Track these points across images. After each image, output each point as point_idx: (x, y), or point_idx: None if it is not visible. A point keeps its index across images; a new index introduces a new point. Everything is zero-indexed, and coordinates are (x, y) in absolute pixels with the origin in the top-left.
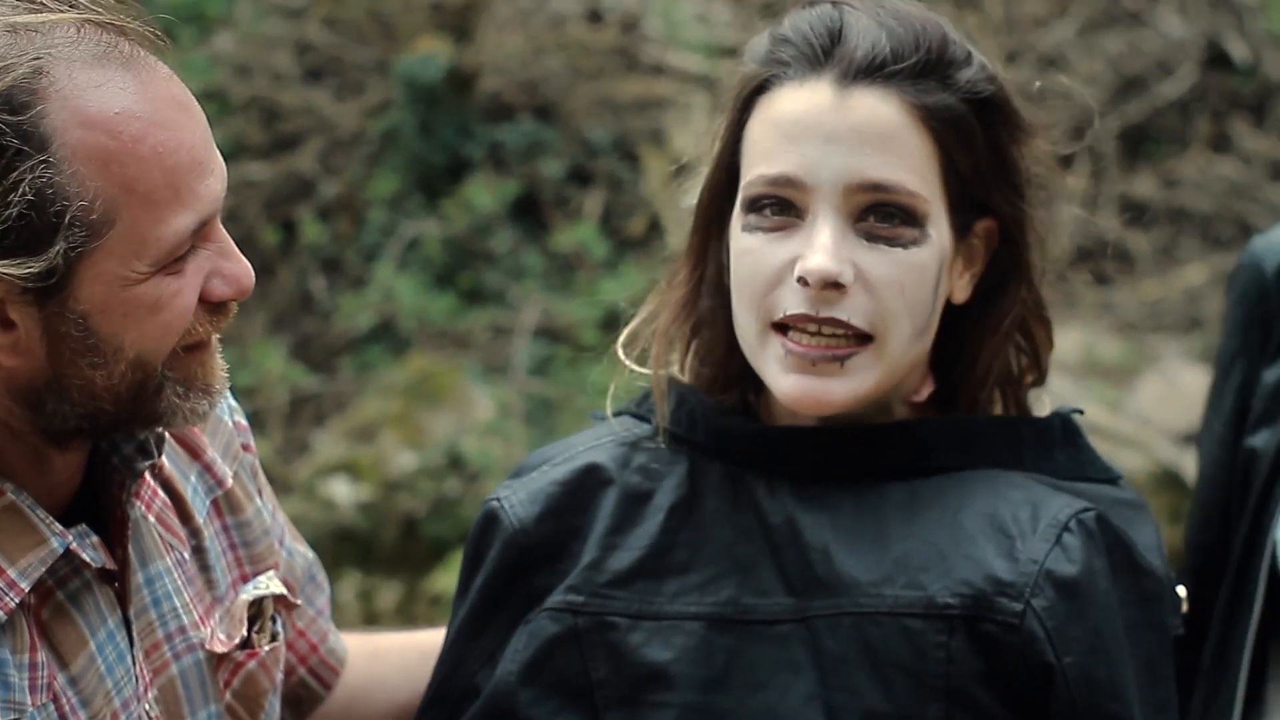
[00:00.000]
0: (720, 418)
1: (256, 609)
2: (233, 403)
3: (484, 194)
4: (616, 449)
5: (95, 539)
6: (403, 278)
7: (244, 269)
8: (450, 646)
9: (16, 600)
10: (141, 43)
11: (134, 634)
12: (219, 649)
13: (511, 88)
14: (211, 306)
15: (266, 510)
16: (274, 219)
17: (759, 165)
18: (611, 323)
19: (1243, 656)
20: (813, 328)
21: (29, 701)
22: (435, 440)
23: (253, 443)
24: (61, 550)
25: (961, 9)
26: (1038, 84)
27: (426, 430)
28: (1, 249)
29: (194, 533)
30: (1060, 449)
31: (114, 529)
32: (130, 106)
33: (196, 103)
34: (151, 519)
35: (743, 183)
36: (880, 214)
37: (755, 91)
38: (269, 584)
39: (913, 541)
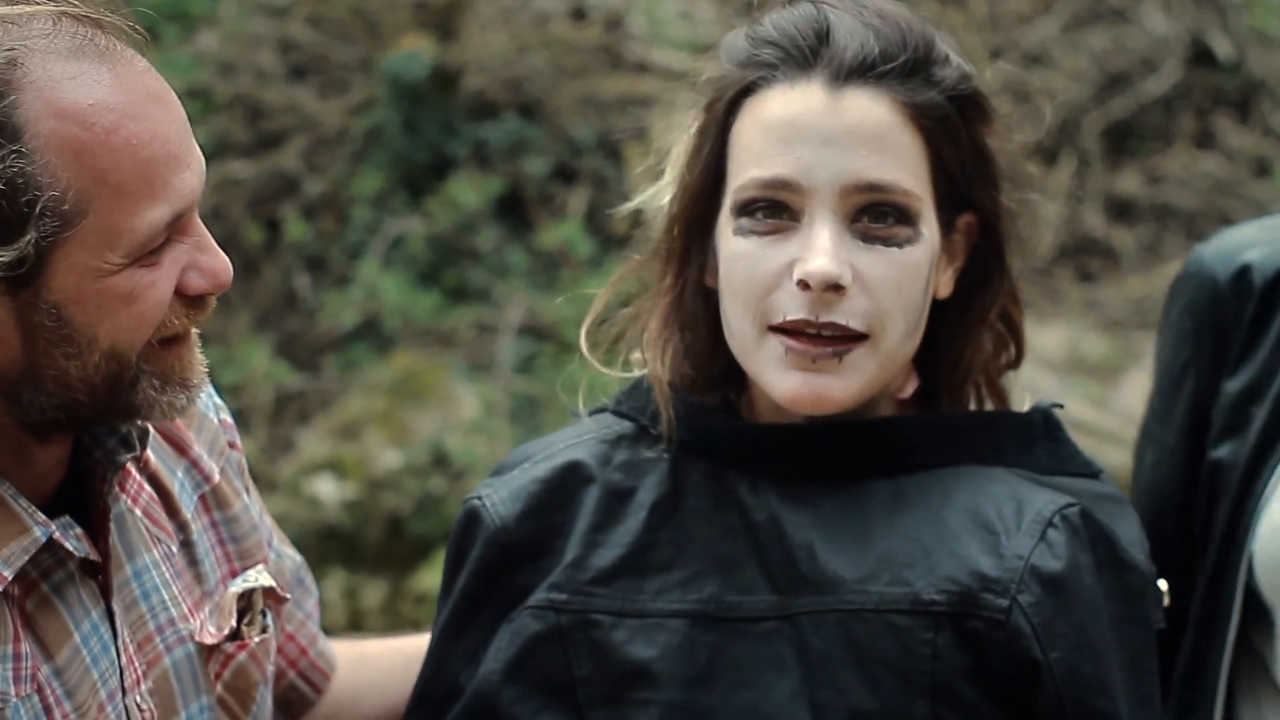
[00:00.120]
0: (704, 416)
1: (246, 602)
2: (218, 400)
3: (468, 192)
4: (597, 446)
5: (79, 530)
6: (387, 276)
7: (221, 263)
8: (434, 647)
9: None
10: (119, 36)
11: (117, 626)
12: (209, 641)
13: (495, 86)
14: (188, 300)
15: (254, 507)
16: (258, 217)
17: (751, 169)
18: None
19: (1220, 673)
20: (812, 330)
21: (13, 692)
22: (420, 438)
23: (239, 440)
24: (44, 539)
25: (946, 6)
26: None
27: (411, 428)
28: None
29: (181, 527)
30: (1041, 444)
31: (97, 521)
32: (104, 98)
33: (175, 96)
34: (138, 513)
35: (733, 186)
36: (875, 214)
37: (740, 94)
38: (258, 577)
39: (897, 538)
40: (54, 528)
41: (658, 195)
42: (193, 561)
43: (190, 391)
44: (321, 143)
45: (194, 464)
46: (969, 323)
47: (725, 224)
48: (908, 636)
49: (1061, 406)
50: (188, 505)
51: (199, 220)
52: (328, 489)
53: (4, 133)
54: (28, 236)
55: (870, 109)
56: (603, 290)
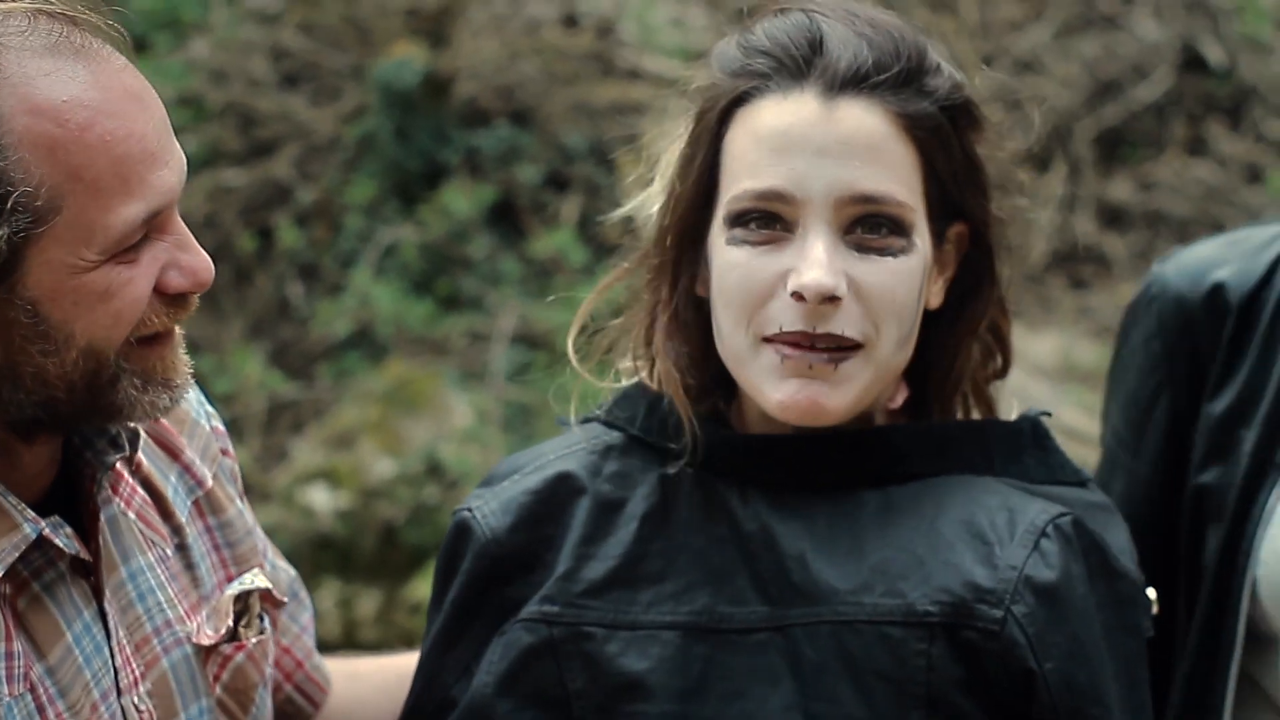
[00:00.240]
0: (695, 427)
1: (243, 605)
2: (210, 408)
3: (461, 200)
4: (587, 457)
5: (68, 530)
6: (380, 284)
7: (201, 261)
8: (425, 659)
9: None
10: (96, 34)
11: (110, 627)
12: (205, 642)
13: (487, 93)
14: (169, 298)
15: (248, 513)
16: (251, 225)
17: (744, 179)
18: (587, 328)
19: (1225, 703)
20: (807, 342)
21: (5, 691)
22: (414, 447)
23: (231, 448)
24: (34, 536)
25: (937, 13)
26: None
27: (405, 437)
28: None
29: (176, 530)
30: (1030, 452)
31: (87, 522)
32: (79, 95)
33: (154, 95)
34: (132, 515)
35: (726, 196)
36: (869, 225)
37: (733, 103)
38: (254, 580)
39: (890, 549)
40: (44, 525)
41: (648, 203)
42: (189, 565)
43: (173, 392)
44: (314, 150)
45: (186, 469)
46: (959, 333)
47: (718, 233)
48: (902, 647)
49: (1050, 414)
50: (181, 509)
51: (179, 218)
52: (321, 498)
53: None
54: (1, 232)
55: (864, 120)
56: (589, 297)
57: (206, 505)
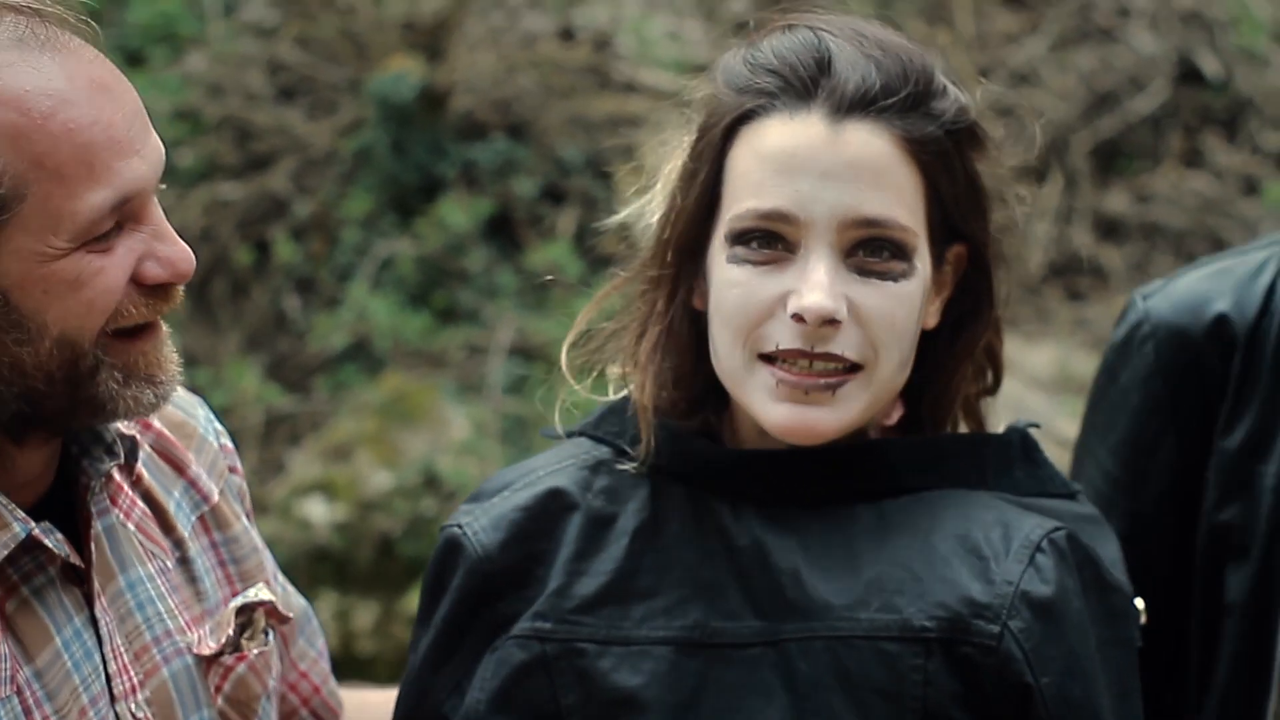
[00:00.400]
0: (686, 441)
1: (247, 617)
2: (219, 426)
3: (457, 213)
4: (578, 473)
5: (60, 535)
6: (377, 297)
7: (179, 252)
8: (416, 676)
9: None
10: (64, 26)
11: (102, 634)
12: (206, 652)
13: (484, 106)
14: (148, 289)
15: (254, 532)
16: (247, 239)
17: (748, 199)
18: (584, 341)
19: None
20: (805, 361)
21: None
22: (410, 459)
23: (240, 466)
24: (24, 535)
25: (933, 25)
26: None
27: (402, 450)
28: None
29: (177, 543)
30: (1020, 465)
31: (81, 530)
32: (42, 85)
33: (127, 87)
34: (131, 527)
35: (728, 214)
36: (871, 248)
37: (738, 120)
38: (258, 593)
39: (885, 564)
40: (34, 526)
41: (644, 211)
42: (191, 579)
43: (158, 388)
44: (310, 164)
45: (192, 483)
46: (956, 353)
47: (718, 250)
48: (899, 663)
49: (1038, 426)
50: (184, 523)
51: (157, 209)
52: (318, 511)
53: None
54: None
55: (870, 143)
56: (586, 308)
57: (212, 520)
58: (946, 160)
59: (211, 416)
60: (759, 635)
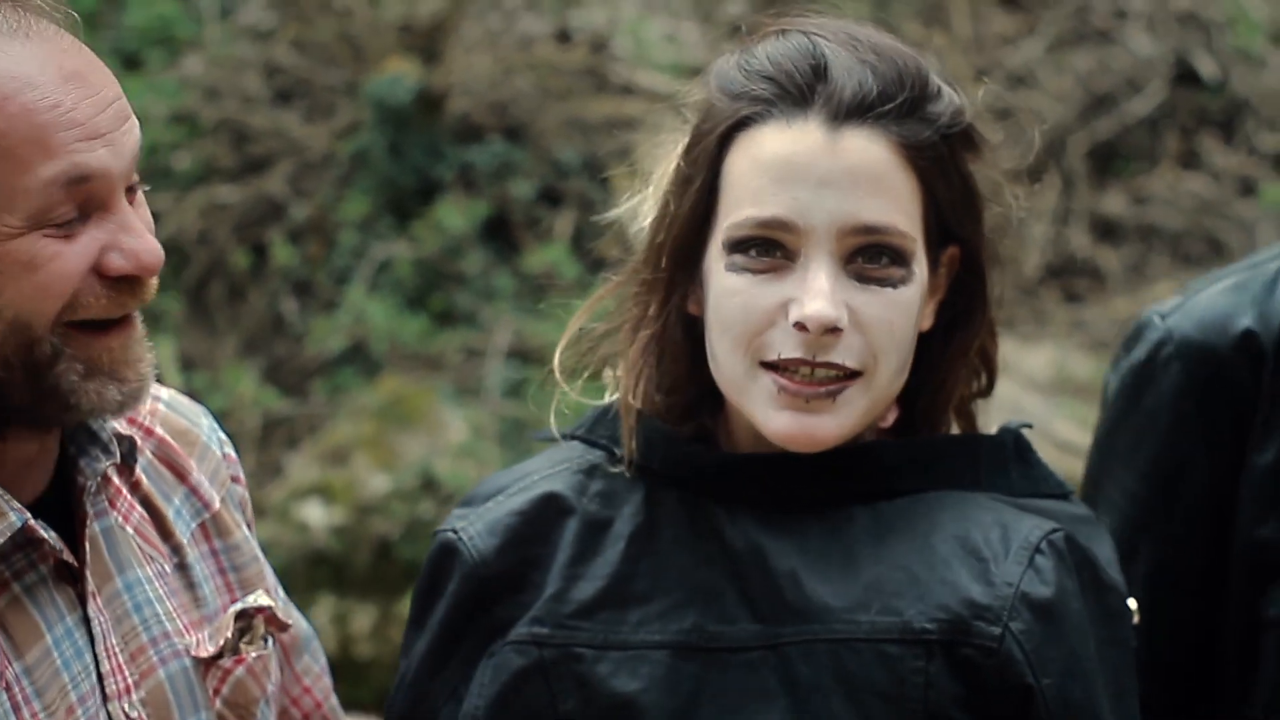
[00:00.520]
0: (682, 446)
1: (246, 623)
2: (223, 436)
3: (454, 215)
4: (572, 477)
5: (54, 534)
6: (374, 300)
7: (144, 245)
8: (412, 682)
9: None
10: (41, 15)
11: (95, 634)
12: (204, 654)
13: (481, 108)
14: (111, 282)
15: (254, 541)
16: (245, 242)
17: (746, 206)
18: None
19: None
20: (806, 369)
21: None
22: (408, 462)
23: (242, 476)
24: (20, 524)
25: (930, 27)
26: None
27: (399, 453)
28: None
29: (175, 549)
30: (1014, 466)
31: (77, 530)
32: (10, 69)
33: (104, 77)
34: (130, 530)
35: (726, 222)
36: (870, 255)
37: (733, 127)
38: (257, 599)
39: (884, 566)
40: (29, 515)
41: (639, 212)
42: (189, 584)
43: (124, 386)
44: (307, 167)
45: (194, 490)
46: (951, 355)
47: (716, 258)
48: (900, 666)
49: (1030, 426)
50: (183, 530)
51: (126, 203)
52: (316, 514)
53: None
54: None
55: (868, 150)
56: (579, 311)
57: (213, 528)
58: (942, 165)
59: (215, 426)
60: (757, 639)
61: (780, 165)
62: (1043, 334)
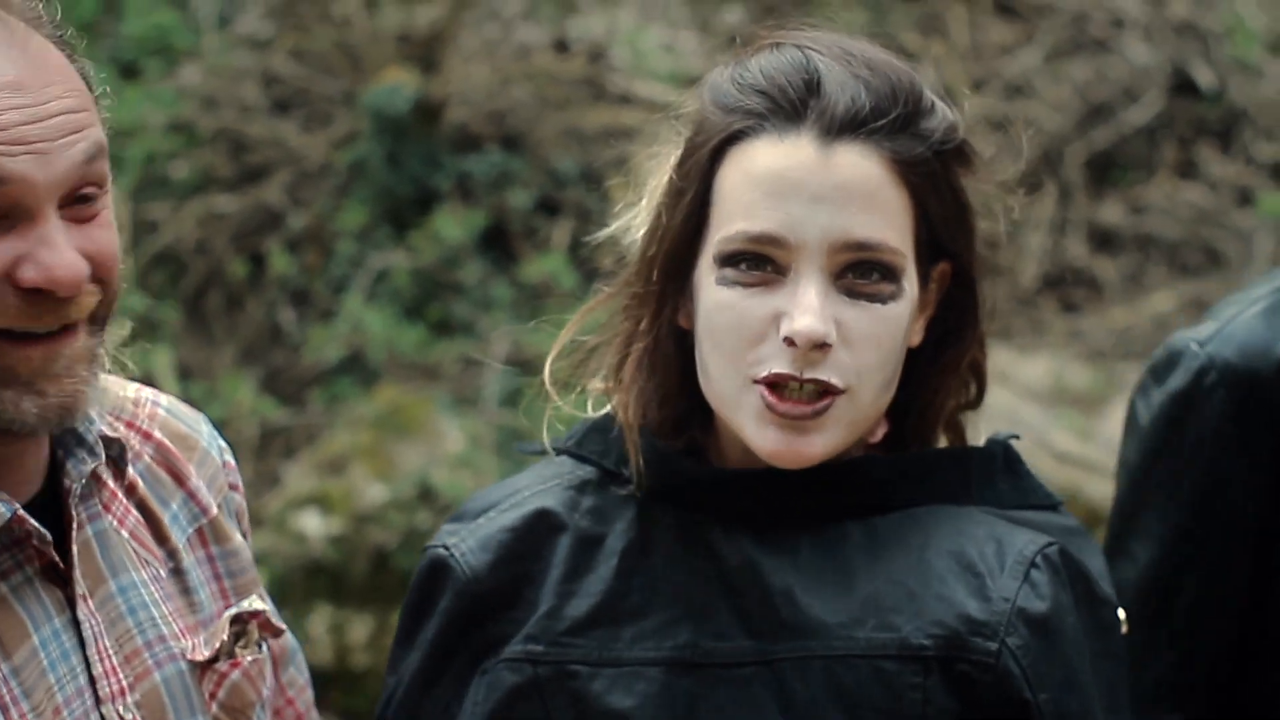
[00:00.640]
0: (674, 462)
1: (241, 627)
2: (223, 443)
3: (452, 225)
4: (564, 493)
5: (38, 524)
6: (372, 309)
7: (59, 260)
8: (402, 699)
9: None
10: (19, 21)
11: (85, 636)
12: (199, 657)
13: (479, 118)
14: (25, 294)
15: (248, 550)
16: (242, 251)
17: (738, 221)
18: (571, 354)
19: None
20: (795, 385)
21: None
22: (406, 472)
23: (240, 485)
24: (9, 515)
25: (928, 37)
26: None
27: (397, 462)
28: None
29: (171, 553)
30: (1003, 478)
31: (65, 530)
32: None
33: (57, 93)
34: (125, 534)
35: (718, 235)
36: (860, 270)
37: (726, 140)
38: (252, 604)
39: (880, 582)
40: (18, 505)
41: (632, 225)
42: (185, 589)
43: (41, 400)
44: (305, 176)
45: (191, 495)
46: (941, 371)
47: (706, 271)
48: (897, 681)
49: (1018, 437)
50: (179, 535)
51: (55, 218)
52: (313, 524)
53: None
54: None
55: (860, 165)
56: (570, 323)
57: (210, 533)
58: (935, 180)
59: (216, 433)
60: (750, 655)
61: (772, 180)
62: (1040, 344)
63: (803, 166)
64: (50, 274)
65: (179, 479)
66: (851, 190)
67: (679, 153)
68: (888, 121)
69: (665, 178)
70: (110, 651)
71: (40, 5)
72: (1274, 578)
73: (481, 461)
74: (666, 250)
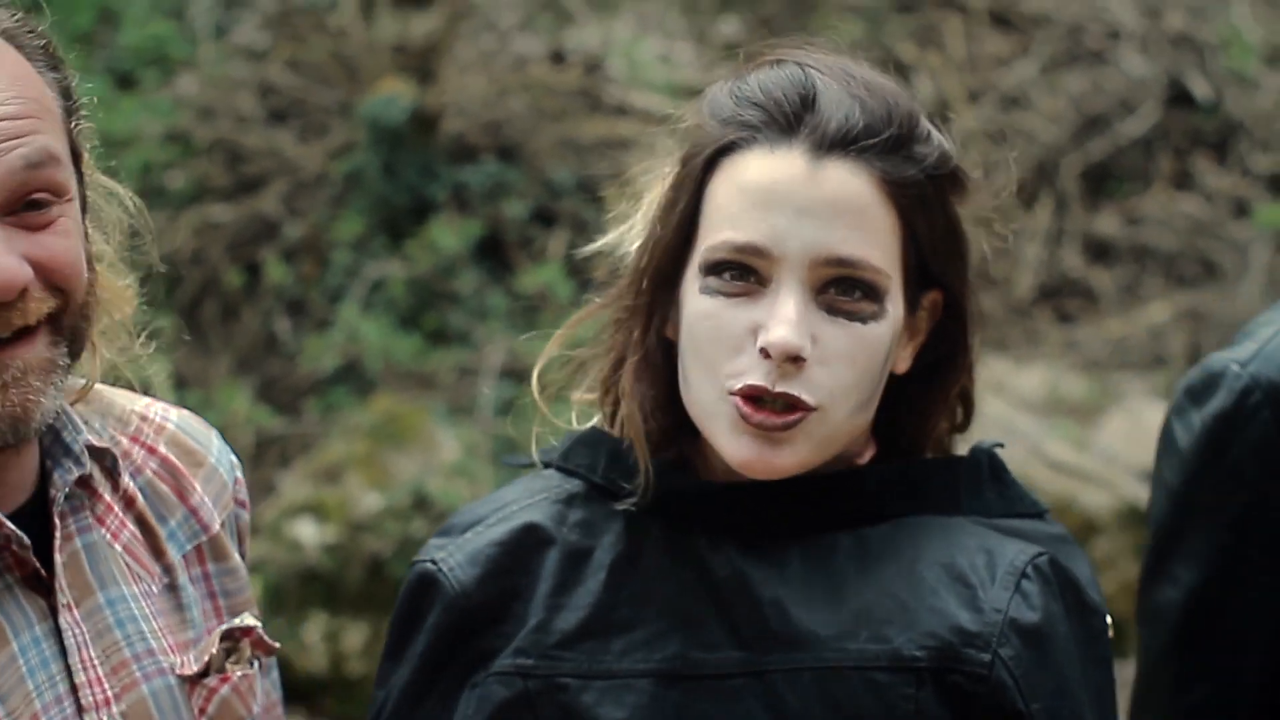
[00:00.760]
0: (664, 475)
1: (232, 643)
2: (234, 459)
3: (448, 235)
4: (551, 507)
5: (15, 528)
6: (367, 319)
7: None
8: (391, 714)
9: None
10: None
11: (66, 645)
12: (188, 672)
13: (475, 129)
14: None
15: (243, 569)
16: (238, 261)
17: (725, 230)
18: (564, 366)
19: None
20: (768, 398)
21: None
22: (401, 481)
23: (247, 501)
24: None
25: (924, 49)
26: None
27: (392, 471)
28: None
29: (167, 569)
30: (989, 486)
31: (50, 539)
32: None
33: (7, 98)
34: (118, 548)
35: (704, 244)
36: (842, 287)
37: (719, 152)
38: (244, 620)
39: (871, 593)
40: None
41: (627, 237)
42: (178, 606)
43: None
44: (301, 186)
45: (193, 512)
46: (931, 399)
47: (691, 280)
48: (890, 693)
49: (1002, 445)
50: (175, 550)
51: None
52: (309, 532)
53: None
54: None
55: (849, 182)
56: (557, 334)
57: (209, 551)
58: (926, 204)
59: (227, 449)
60: (740, 666)
61: (760, 191)
62: (1035, 354)
63: (792, 179)
64: None
65: (182, 495)
66: (839, 206)
67: (674, 167)
68: (880, 141)
69: (660, 191)
70: (95, 661)
71: (12, 12)
72: None
73: (477, 471)
74: (657, 260)
